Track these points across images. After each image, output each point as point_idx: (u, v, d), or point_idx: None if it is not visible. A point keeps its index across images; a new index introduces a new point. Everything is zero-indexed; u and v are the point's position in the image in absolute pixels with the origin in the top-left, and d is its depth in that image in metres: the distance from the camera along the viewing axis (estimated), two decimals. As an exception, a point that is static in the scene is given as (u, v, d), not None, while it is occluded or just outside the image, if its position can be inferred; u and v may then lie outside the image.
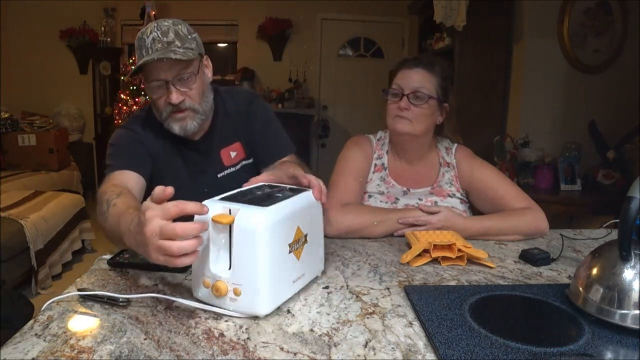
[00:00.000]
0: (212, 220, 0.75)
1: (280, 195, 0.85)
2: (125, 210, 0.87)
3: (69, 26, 4.79)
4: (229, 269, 0.76)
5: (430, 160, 1.41)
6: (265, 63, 5.06)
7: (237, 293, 0.75)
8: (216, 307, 0.77)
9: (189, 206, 0.71)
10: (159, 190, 0.72)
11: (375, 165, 1.40)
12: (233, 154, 1.33)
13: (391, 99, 1.31)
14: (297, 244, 0.82)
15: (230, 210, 0.76)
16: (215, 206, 0.77)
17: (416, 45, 4.51)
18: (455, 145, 1.43)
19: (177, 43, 1.12)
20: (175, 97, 1.13)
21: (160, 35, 1.11)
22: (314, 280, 0.92)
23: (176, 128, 1.19)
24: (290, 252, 0.80)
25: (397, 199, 1.35)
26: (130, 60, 4.28)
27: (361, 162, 1.38)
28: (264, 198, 0.82)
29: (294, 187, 0.92)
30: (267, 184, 0.93)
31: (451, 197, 1.35)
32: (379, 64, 5.12)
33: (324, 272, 0.96)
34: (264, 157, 1.32)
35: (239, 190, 0.88)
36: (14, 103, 4.42)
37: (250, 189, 0.89)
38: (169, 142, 1.26)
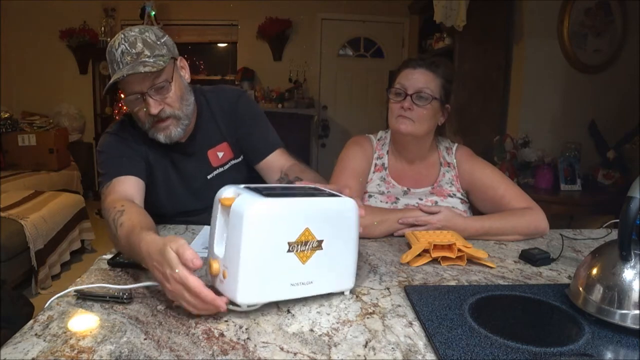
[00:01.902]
0: (219, 201, 0.79)
1: (309, 194, 0.83)
2: (131, 230, 0.88)
3: (69, 26, 4.79)
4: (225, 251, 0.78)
5: (430, 160, 1.40)
6: (265, 63, 5.06)
7: (224, 275, 0.76)
8: (210, 285, 0.77)
9: (211, 300, 0.73)
10: (192, 256, 0.72)
11: (376, 165, 1.40)
12: (220, 155, 1.32)
13: (394, 99, 1.31)
14: (303, 245, 0.77)
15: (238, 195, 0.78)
16: (229, 190, 0.80)
17: (416, 45, 4.51)
18: (456, 145, 1.43)
19: (147, 52, 1.10)
20: (153, 108, 1.12)
21: (128, 47, 1.09)
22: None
23: (161, 137, 1.19)
24: (289, 251, 0.76)
25: (398, 199, 1.35)
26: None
27: (361, 161, 1.38)
28: (286, 193, 0.81)
29: (336, 192, 0.88)
30: (313, 185, 0.92)
31: (451, 197, 1.35)
32: (379, 64, 5.12)
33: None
34: (252, 153, 1.33)
35: (280, 184, 0.88)
36: (14, 103, 4.42)
37: (292, 185, 0.90)
38: (155, 146, 1.25)
